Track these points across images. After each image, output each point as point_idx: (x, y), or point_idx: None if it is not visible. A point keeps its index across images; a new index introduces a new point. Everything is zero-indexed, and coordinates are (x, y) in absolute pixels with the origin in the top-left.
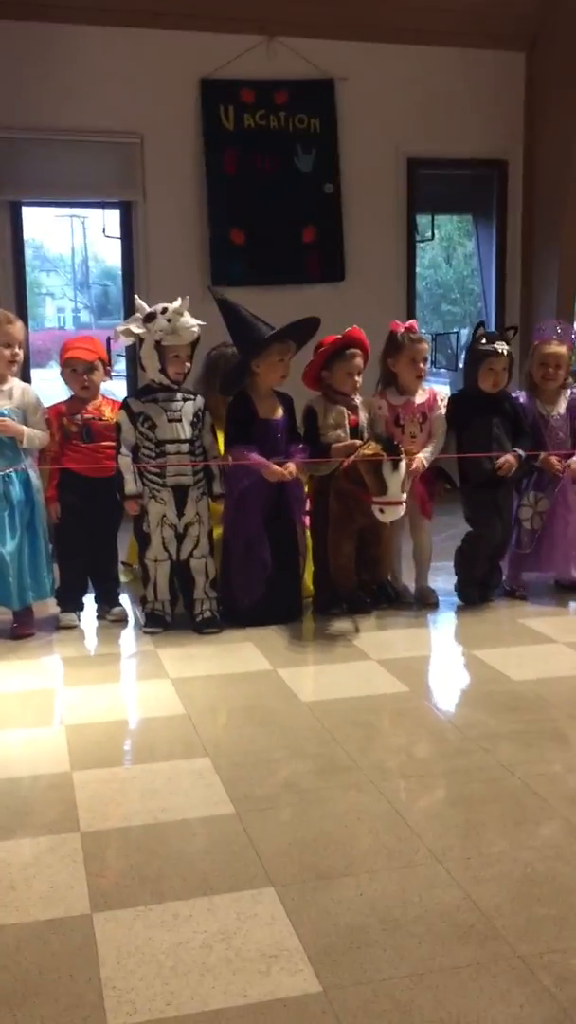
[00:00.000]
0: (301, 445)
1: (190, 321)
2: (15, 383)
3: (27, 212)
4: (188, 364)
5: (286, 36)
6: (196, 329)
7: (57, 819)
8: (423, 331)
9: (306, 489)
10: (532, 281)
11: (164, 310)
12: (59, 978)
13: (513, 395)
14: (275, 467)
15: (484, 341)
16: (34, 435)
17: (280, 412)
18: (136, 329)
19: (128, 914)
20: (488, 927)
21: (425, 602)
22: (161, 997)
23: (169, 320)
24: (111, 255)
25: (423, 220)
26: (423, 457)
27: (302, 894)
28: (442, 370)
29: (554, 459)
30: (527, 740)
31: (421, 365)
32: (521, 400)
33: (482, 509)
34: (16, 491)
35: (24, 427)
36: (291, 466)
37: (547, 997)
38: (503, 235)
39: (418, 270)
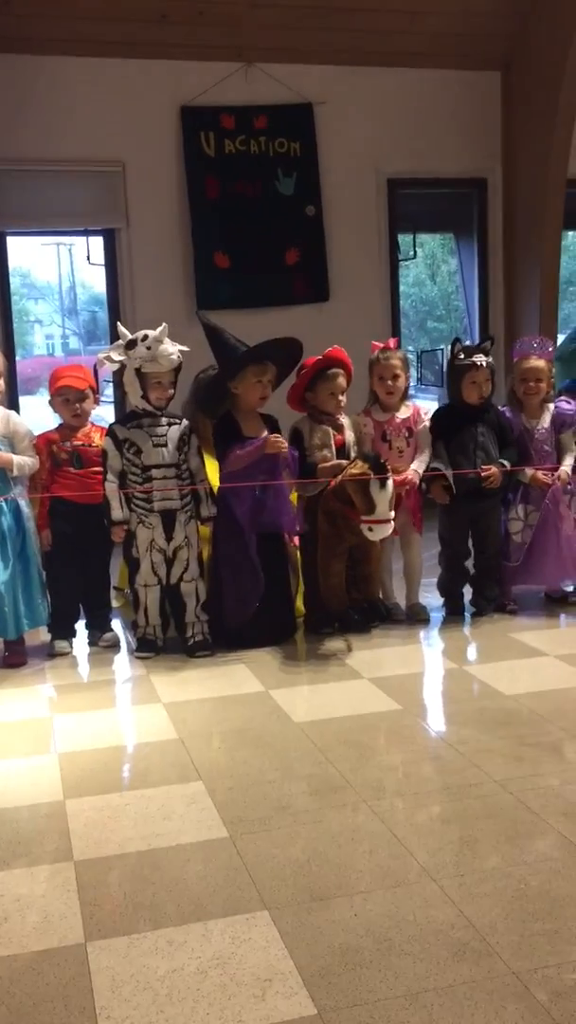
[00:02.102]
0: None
1: (169, 349)
2: None
3: (12, 241)
4: (171, 390)
5: (264, 62)
6: (176, 356)
7: (51, 848)
8: (409, 348)
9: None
10: (514, 297)
11: (145, 337)
12: (54, 1009)
13: (500, 408)
14: (271, 439)
15: (463, 356)
16: (24, 463)
17: (264, 431)
18: (117, 356)
19: (122, 942)
20: (482, 944)
21: (416, 619)
22: None
23: (149, 348)
24: (98, 281)
25: (405, 239)
26: (415, 468)
27: (297, 916)
28: (430, 387)
29: (540, 474)
30: (520, 755)
31: (390, 382)
32: (507, 415)
33: (456, 526)
34: (7, 520)
35: (13, 456)
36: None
37: (542, 1013)
38: (484, 252)
39: (403, 288)
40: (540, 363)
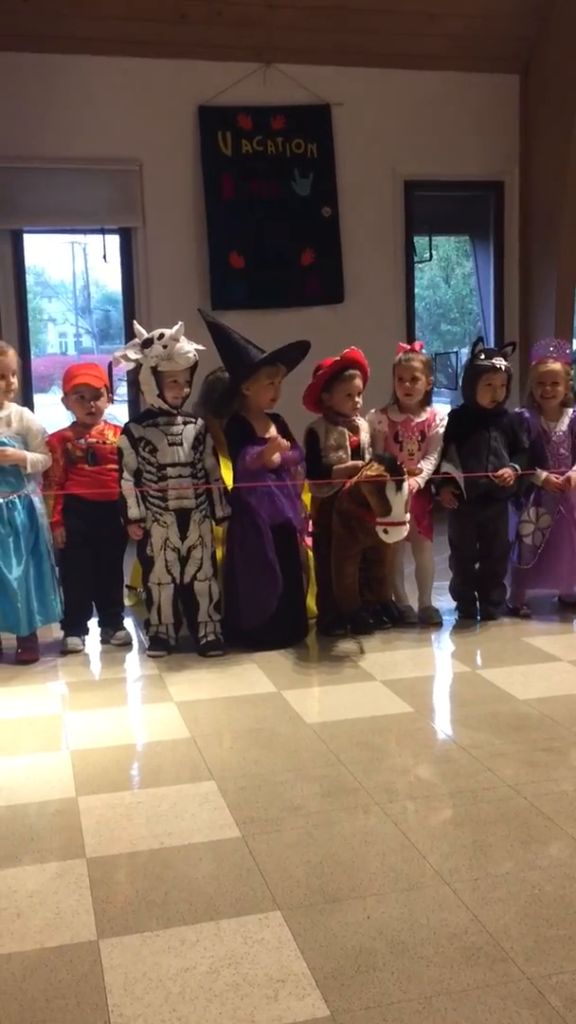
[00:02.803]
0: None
1: (186, 347)
2: (12, 409)
3: (28, 239)
4: (187, 389)
5: (282, 63)
6: (192, 355)
7: (63, 845)
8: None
9: (308, 510)
10: (530, 300)
11: (161, 336)
12: (66, 1005)
13: (517, 410)
14: (270, 444)
15: (483, 357)
16: (37, 460)
17: (273, 430)
18: (133, 355)
19: (135, 940)
20: (496, 949)
21: (429, 622)
22: (168, 1023)
23: (165, 346)
24: (112, 280)
25: (421, 241)
26: (418, 481)
27: (309, 917)
28: (442, 390)
29: (553, 477)
30: (533, 759)
31: (408, 384)
32: (526, 415)
33: (463, 530)
34: (20, 516)
35: (26, 453)
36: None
37: (556, 1019)
38: (500, 255)
39: (417, 290)
40: (557, 367)
